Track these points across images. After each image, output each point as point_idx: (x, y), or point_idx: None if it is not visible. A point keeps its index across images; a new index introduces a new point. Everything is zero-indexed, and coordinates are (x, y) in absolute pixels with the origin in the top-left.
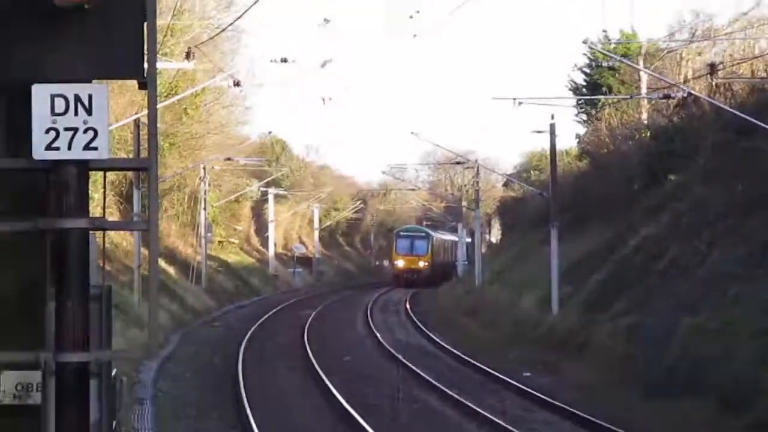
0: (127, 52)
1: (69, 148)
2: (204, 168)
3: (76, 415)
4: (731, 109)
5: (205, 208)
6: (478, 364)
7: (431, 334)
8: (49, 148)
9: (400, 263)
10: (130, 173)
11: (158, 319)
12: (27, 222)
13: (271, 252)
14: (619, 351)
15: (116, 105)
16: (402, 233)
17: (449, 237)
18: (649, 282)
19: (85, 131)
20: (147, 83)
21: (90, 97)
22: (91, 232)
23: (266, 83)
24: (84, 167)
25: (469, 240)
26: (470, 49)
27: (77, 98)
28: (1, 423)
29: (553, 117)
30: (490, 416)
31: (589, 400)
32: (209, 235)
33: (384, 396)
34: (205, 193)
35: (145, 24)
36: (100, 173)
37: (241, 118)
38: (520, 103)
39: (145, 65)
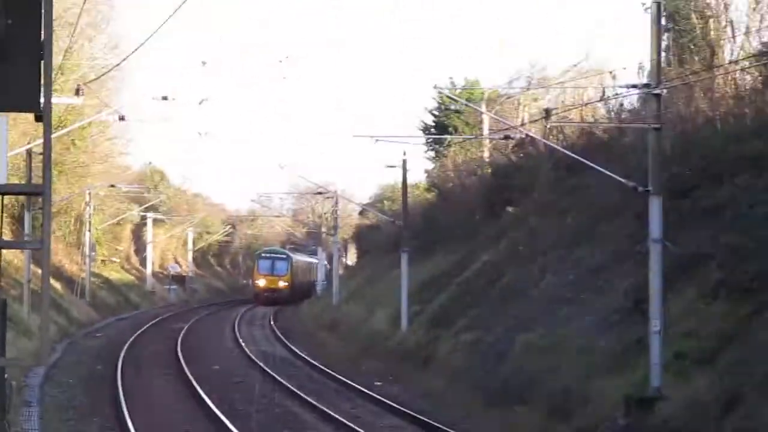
0: (25, 87)
1: None
2: (89, 194)
3: None
4: (563, 149)
5: (89, 230)
6: (335, 374)
7: (293, 347)
8: None
9: (261, 282)
10: (22, 197)
11: (49, 330)
12: None
13: (148, 270)
14: (462, 364)
15: (10, 135)
16: (263, 255)
17: (309, 259)
18: (488, 302)
19: None
20: (43, 116)
21: None
22: None
23: (148, 118)
24: None
25: (326, 263)
26: (334, 89)
27: None
28: None
29: (405, 153)
30: (344, 420)
31: (433, 407)
32: (93, 254)
33: (249, 401)
34: (89, 216)
35: (42, 63)
36: None
37: (124, 149)
38: (377, 141)
39: (41, 100)
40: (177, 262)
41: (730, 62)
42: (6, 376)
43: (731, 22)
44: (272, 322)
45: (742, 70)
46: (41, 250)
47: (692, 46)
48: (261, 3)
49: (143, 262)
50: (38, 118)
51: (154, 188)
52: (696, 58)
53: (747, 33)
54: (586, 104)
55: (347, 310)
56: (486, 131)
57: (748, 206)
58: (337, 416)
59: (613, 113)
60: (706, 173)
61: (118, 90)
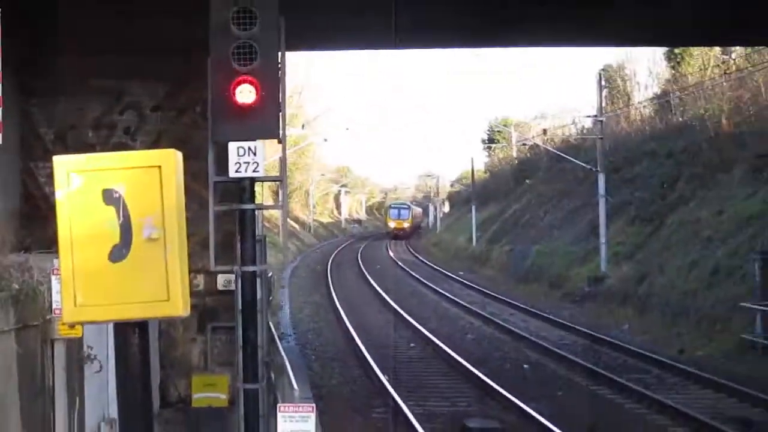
0: (271, 125)
1: (246, 171)
2: (311, 180)
3: (251, 295)
4: (553, 150)
5: (311, 197)
6: (438, 268)
7: (416, 254)
8: (236, 171)
9: (392, 224)
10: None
11: (288, 250)
12: (227, 206)
13: (343, 216)
14: (504, 262)
15: (267, 150)
16: (392, 206)
17: (421, 209)
18: (517, 230)
19: (253, 163)
20: (282, 140)
21: (255, 147)
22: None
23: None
24: (252, 180)
25: (433, 211)
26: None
27: (249, 148)
28: (221, 298)
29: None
30: (442, 291)
31: (490, 285)
32: (314, 209)
33: (395, 283)
34: (312, 191)
35: (280, 114)
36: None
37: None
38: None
39: (280, 132)
40: (357, 213)
41: (638, 103)
42: (270, 273)
43: (638, 83)
44: (405, 243)
45: (644, 107)
46: (282, 209)
47: (618, 95)
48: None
49: (340, 212)
50: (279, 142)
51: (345, 176)
52: (620, 101)
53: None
54: (565, 126)
55: (444, 236)
56: (514, 141)
57: (649, 177)
58: (439, 289)
59: (579, 130)
60: (626, 160)
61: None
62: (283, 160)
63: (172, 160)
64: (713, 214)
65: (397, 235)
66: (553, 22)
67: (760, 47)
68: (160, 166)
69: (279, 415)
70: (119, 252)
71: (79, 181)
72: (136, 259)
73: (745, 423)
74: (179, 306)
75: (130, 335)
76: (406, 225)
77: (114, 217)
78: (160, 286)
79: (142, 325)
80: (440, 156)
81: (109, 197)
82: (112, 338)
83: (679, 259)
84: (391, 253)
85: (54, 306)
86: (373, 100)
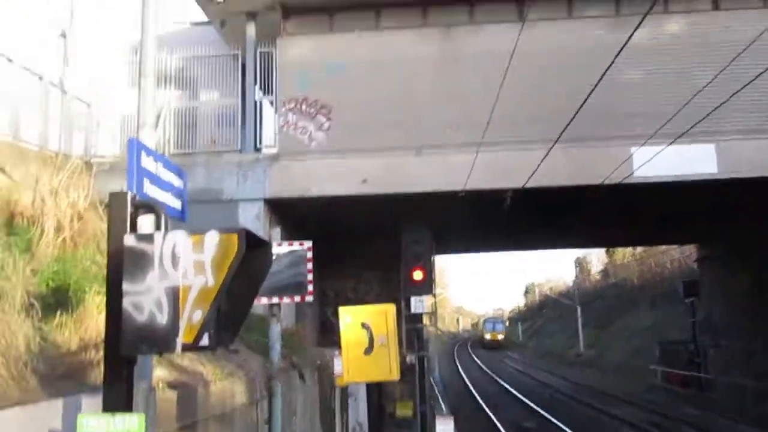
0: (429, 289)
1: (419, 309)
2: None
3: (421, 365)
4: (554, 296)
5: (445, 321)
6: (504, 352)
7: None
8: (415, 309)
9: (488, 336)
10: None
11: (435, 344)
12: (411, 325)
13: (460, 329)
14: (534, 347)
15: (428, 300)
16: (487, 320)
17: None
18: (539, 333)
19: (422, 305)
20: (434, 295)
21: (423, 298)
22: None
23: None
24: (422, 313)
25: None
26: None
27: (420, 299)
28: (408, 367)
29: (518, 302)
30: (506, 360)
31: (527, 358)
32: (447, 325)
33: (485, 358)
34: (445, 318)
35: (433, 284)
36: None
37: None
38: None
39: (433, 291)
40: (466, 327)
41: (593, 273)
42: (429, 355)
43: (593, 264)
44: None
45: (596, 275)
46: (434, 326)
47: (584, 269)
48: None
49: (459, 326)
50: (433, 296)
51: (460, 309)
52: (586, 272)
53: (596, 267)
54: (561, 284)
55: (507, 336)
56: (537, 292)
57: (600, 308)
58: (504, 358)
59: (567, 287)
60: (589, 299)
61: None
62: (434, 304)
63: (391, 308)
64: (632, 324)
65: (491, 347)
66: (554, 237)
67: (650, 246)
68: (386, 311)
69: (437, 420)
70: (368, 350)
71: (350, 318)
72: (376, 354)
73: (655, 424)
74: (395, 375)
75: (373, 387)
76: (500, 337)
77: (366, 335)
78: (386, 366)
79: (379, 383)
80: (503, 301)
81: (364, 326)
82: (364, 388)
83: (618, 345)
84: (490, 354)
85: (336, 372)
86: (471, 270)
